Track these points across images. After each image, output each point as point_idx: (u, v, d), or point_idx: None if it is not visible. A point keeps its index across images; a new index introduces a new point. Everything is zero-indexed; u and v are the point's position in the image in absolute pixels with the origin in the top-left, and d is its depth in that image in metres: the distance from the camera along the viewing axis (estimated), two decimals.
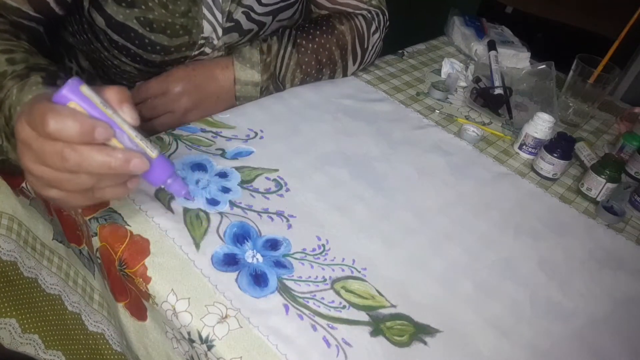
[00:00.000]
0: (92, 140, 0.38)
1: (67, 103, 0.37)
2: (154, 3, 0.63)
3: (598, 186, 0.72)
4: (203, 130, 0.67)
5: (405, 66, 0.98)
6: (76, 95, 0.38)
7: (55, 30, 0.70)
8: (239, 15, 0.71)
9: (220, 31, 0.70)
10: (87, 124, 0.37)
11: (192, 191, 0.57)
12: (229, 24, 0.71)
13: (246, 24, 0.72)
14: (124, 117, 0.40)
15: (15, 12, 0.57)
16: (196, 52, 0.71)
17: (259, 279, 0.49)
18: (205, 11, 0.67)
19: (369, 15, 0.82)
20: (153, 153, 0.42)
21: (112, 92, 0.40)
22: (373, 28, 0.82)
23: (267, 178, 0.62)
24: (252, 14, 0.72)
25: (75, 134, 0.37)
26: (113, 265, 0.50)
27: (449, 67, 0.97)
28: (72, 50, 0.74)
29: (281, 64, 0.74)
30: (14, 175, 0.58)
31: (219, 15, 0.69)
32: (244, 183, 0.60)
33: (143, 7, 0.62)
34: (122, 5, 0.62)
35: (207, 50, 0.71)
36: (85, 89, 0.38)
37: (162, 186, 0.45)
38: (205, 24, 0.68)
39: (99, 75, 0.75)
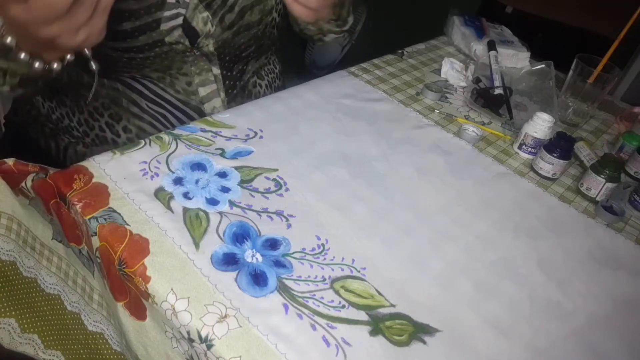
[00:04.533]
0: None
1: None
2: None
3: (597, 186, 0.72)
4: (203, 130, 0.67)
5: (405, 66, 0.98)
6: None
7: None
8: None
9: None
10: None
11: (192, 191, 0.57)
12: None
13: None
14: None
15: None
16: (168, 13, 0.66)
17: (258, 279, 0.49)
18: None
19: None
20: None
21: None
22: None
23: (267, 178, 0.62)
24: None
25: None
26: (112, 264, 0.50)
27: (448, 67, 0.97)
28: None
29: None
30: None
31: None
32: (243, 183, 0.60)
33: None
34: None
35: (182, 10, 0.67)
36: None
37: None
38: None
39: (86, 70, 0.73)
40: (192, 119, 0.74)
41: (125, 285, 0.50)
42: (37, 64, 0.54)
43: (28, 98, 0.78)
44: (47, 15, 0.46)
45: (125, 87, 0.72)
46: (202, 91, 0.74)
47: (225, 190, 0.59)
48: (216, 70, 0.74)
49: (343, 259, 0.54)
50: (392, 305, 0.51)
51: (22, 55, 0.53)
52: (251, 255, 0.52)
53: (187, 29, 0.69)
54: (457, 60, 0.99)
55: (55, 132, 0.77)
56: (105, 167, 0.58)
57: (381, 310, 0.50)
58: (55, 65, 0.56)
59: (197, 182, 0.59)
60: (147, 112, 0.73)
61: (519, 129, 0.81)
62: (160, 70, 0.71)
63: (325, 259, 0.54)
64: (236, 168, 0.62)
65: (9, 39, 0.51)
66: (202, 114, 0.75)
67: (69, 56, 0.57)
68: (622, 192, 0.76)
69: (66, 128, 0.76)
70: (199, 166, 0.61)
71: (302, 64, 1.86)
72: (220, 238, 0.53)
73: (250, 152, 0.65)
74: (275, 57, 0.91)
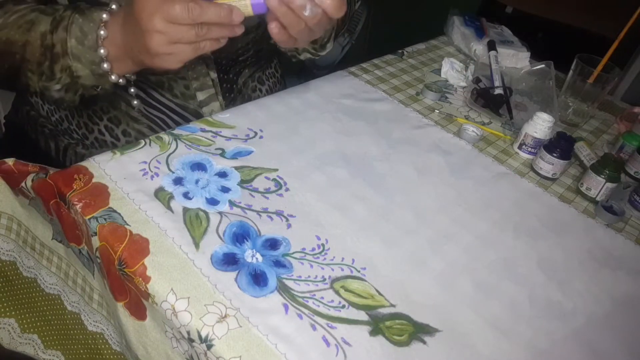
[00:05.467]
0: None
1: None
2: None
3: (597, 186, 0.72)
4: (203, 130, 0.67)
5: (405, 66, 0.98)
6: None
7: None
8: None
9: None
10: None
11: (192, 191, 0.57)
12: None
13: None
14: None
15: None
16: None
17: (258, 279, 0.49)
18: None
19: None
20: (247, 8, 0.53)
21: None
22: None
23: (267, 178, 0.62)
24: None
25: None
26: (113, 264, 0.50)
27: (448, 66, 0.97)
28: None
29: None
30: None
31: None
32: (243, 183, 0.60)
33: None
34: None
35: None
36: None
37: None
38: None
39: None
40: None
41: (125, 285, 0.50)
42: (113, 77, 0.59)
43: (27, 99, 0.78)
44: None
45: (123, 90, 0.72)
46: (200, 95, 0.74)
47: (225, 190, 0.59)
48: (214, 75, 0.74)
49: (343, 259, 0.54)
50: (392, 305, 0.51)
51: (102, 51, 0.57)
52: (251, 255, 0.52)
53: None
54: (457, 60, 0.99)
55: (54, 133, 0.77)
56: (105, 167, 0.58)
57: (381, 310, 0.50)
58: (120, 80, 0.60)
59: (197, 182, 0.59)
60: (146, 116, 0.73)
61: (519, 129, 0.81)
62: (158, 74, 0.71)
63: (325, 259, 0.54)
64: (236, 168, 0.62)
65: (102, 50, 0.57)
66: (200, 118, 0.75)
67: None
68: (622, 192, 0.76)
69: (66, 130, 0.75)
70: (199, 166, 0.61)
71: (302, 64, 1.86)
72: (220, 238, 0.53)
73: (250, 152, 0.65)
74: (278, 61, 0.90)
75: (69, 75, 0.59)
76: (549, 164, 0.75)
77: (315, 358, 0.44)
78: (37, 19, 0.58)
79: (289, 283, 0.50)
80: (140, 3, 0.51)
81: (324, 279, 0.51)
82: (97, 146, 0.75)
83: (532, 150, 0.79)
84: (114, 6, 0.58)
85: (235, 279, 0.49)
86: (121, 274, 0.49)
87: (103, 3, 0.59)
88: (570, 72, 0.91)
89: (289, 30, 0.56)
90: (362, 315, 0.49)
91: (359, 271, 0.53)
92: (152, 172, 0.58)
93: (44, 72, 0.59)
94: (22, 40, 0.58)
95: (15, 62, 0.59)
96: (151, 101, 0.72)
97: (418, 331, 0.49)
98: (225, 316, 0.46)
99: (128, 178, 0.57)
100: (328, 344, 0.46)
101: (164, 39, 0.52)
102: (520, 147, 0.80)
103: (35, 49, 0.58)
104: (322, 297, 0.49)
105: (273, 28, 0.56)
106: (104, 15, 0.56)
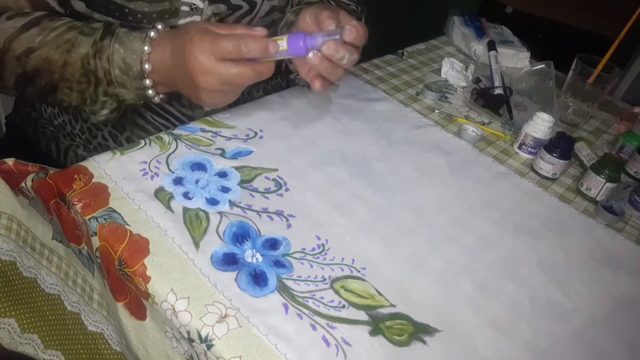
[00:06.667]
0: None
1: None
2: None
3: (597, 186, 0.72)
4: (203, 130, 0.67)
5: (404, 66, 0.98)
6: None
7: None
8: None
9: None
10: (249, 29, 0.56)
11: (192, 191, 0.57)
12: None
13: None
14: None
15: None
16: (183, 22, 0.66)
17: (258, 279, 0.49)
18: None
19: (358, 9, 0.82)
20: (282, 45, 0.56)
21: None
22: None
23: (267, 178, 0.62)
24: None
25: (243, 31, 0.56)
26: (113, 264, 0.50)
27: (448, 67, 0.97)
28: None
29: None
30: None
31: None
32: (243, 183, 0.60)
33: None
34: None
35: (197, 19, 0.67)
36: None
37: (312, 50, 0.56)
38: None
39: None
40: None
41: (125, 285, 0.50)
42: (156, 99, 0.61)
43: (31, 102, 0.78)
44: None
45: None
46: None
47: (225, 190, 0.59)
48: None
49: (343, 259, 0.54)
50: (392, 305, 0.51)
51: (147, 82, 0.59)
52: (251, 255, 0.52)
53: None
54: (457, 60, 0.99)
55: (56, 135, 0.77)
56: (105, 167, 0.58)
57: (381, 310, 0.50)
58: (155, 98, 0.61)
59: (197, 182, 0.59)
60: (152, 123, 0.72)
61: (519, 129, 0.81)
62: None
63: (325, 259, 0.54)
64: (236, 168, 0.62)
65: (147, 81, 0.58)
66: None
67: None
68: (622, 192, 0.76)
69: (68, 134, 0.75)
70: (199, 166, 0.61)
71: None
72: (220, 238, 0.53)
73: (250, 152, 0.65)
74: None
75: (116, 100, 0.60)
76: (549, 164, 0.75)
77: (315, 358, 0.44)
78: (77, 40, 0.58)
79: (289, 283, 0.50)
80: (192, 48, 0.53)
81: (324, 279, 0.51)
82: (100, 151, 0.74)
83: (532, 150, 0.79)
84: (152, 34, 0.58)
85: (235, 279, 0.49)
86: (121, 274, 0.49)
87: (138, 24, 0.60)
88: (570, 72, 0.91)
89: (331, 79, 0.61)
90: (362, 315, 0.49)
91: (359, 271, 0.53)
92: (152, 172, 0.58)
93: (88, 96, 0.60)
94: (62, 61, 0.58)
95: (53, 80, 0.59)
96: (158, 109, 0.72)
97: (418, 331, 0.49)
98: (225, 316, 0.46)
99: (128, 178, 0.57)
100: (328, 344, 0.46)
101: (216, 78, 0.54)
102: (520, 147, 0.80)
103: (75, 70, 0.58)
104: (322, 297, 0.49)
105: (318, 87, 0.62)
106: (146, 48, 0.57)
